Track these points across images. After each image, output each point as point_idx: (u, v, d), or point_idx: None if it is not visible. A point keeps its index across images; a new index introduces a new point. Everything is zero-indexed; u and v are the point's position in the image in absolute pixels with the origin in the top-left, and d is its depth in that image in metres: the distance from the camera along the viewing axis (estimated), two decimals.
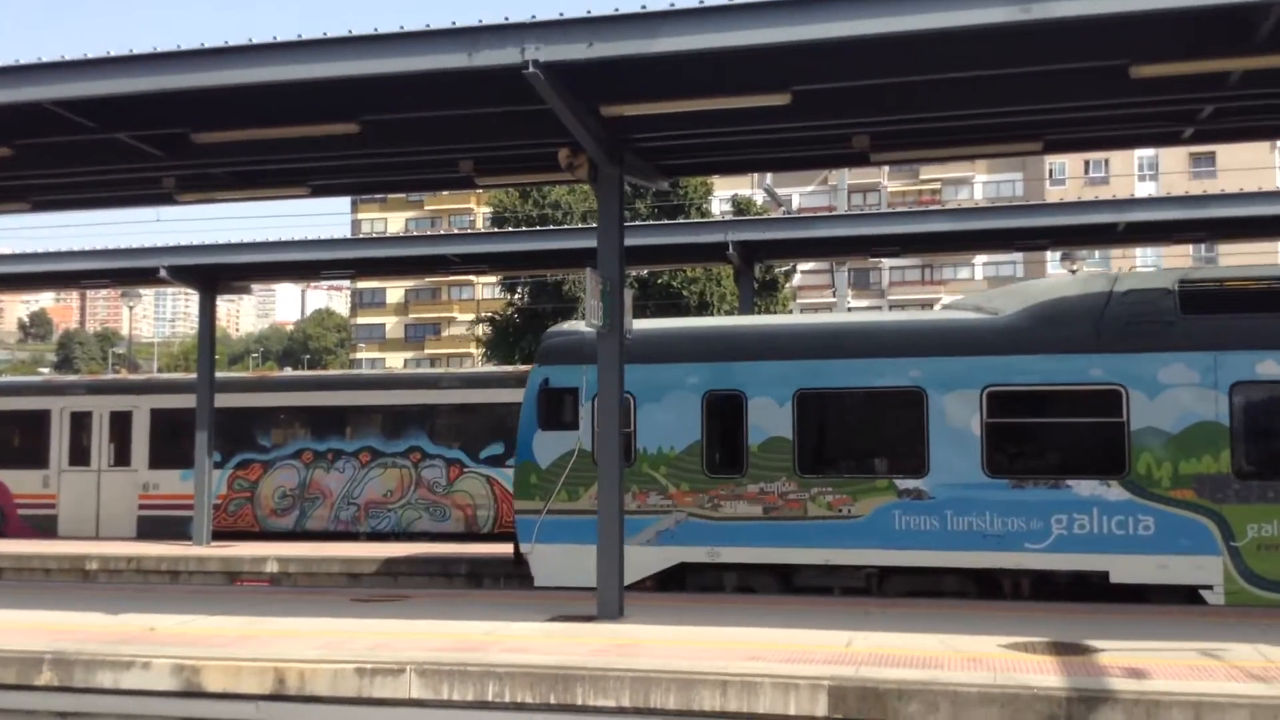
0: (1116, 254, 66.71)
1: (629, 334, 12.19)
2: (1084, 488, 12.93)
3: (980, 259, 78.50)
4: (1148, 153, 72.11)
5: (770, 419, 13.90)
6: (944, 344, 13.69)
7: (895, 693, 8.23)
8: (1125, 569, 12.76)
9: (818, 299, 74.98)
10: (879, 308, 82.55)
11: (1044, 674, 8.50)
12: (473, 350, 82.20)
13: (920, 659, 9.09)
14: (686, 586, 14.13)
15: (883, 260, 71.03)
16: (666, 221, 28.71)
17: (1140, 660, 8.95)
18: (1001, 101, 11.46)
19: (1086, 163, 74.94)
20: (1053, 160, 75.71)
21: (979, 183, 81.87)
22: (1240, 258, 64.37)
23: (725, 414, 14.09)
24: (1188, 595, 12.66)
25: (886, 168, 79.93)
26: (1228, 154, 67.71)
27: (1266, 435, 12.68)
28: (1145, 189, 69.81)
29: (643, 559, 13.96)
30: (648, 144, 12.65)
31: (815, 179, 77.64)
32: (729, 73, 10.68)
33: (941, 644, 9.78)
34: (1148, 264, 68.04)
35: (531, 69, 9.91)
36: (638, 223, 25.70)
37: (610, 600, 11.51)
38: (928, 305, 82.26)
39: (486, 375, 24.01)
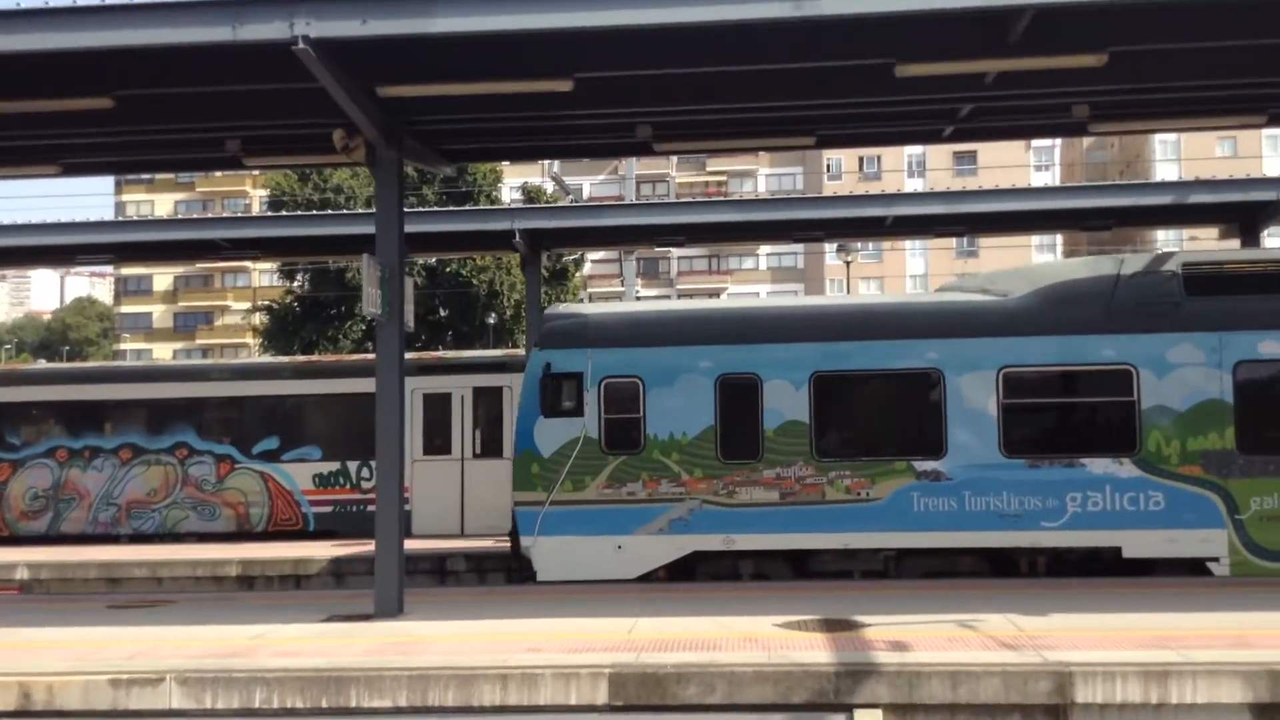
0: (885, 246, 70.14)
1: (409, 326, 11.87)
2: (1097, 466, 13.11)
3: (764, 249, 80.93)
4: (916, 150, 76.11)
5: (786, 402, 13.59)
6: (961, 326, 13.68)
7: (674, 676, 8.32)
8: (1137, 544, 13.01)
9: (608, 288, 75.63)
10: (668, 296, 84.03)
11: (815, 651, 8.78)
12: (249, 341, 78.81)
13: (700, 642, 9.23)
14: (697, 576, 13.71)
15: (671, 250, 72.34)
16: (452, 208, 28.25)
17: (904, 634, 9.36)
18: (777, 96, 11.75)
19: (861, 159, 78.39)
20: (830, 156, 78.82)
21: (763, 176, 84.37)
22: (998, 250, 68.79)
23: (740, 398, 13.69)
24: (1192, 568, 13.04)
25: (674, 159, 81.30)
26: (988, 153, 72.19)
27: (1268, 412, 13.08)
28: (914, 185, 73.61)
29: (654, 549, 13.58)
30: (429, 127, 12.35)
31: (605, 168, 78.31)
32: (511, 57, 10.52)
33: (720, 626, 9.97)
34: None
35: (301, 45, 9.48)
36: (422, 209, 25.20)
37: (388, 598, 11.20)
38: (714, 294, 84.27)
39: (260, 366, 23.02)
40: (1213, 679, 8.05)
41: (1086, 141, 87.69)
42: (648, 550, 13.53)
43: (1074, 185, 23.81)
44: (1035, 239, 74.11)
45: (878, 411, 14.14)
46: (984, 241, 69.98)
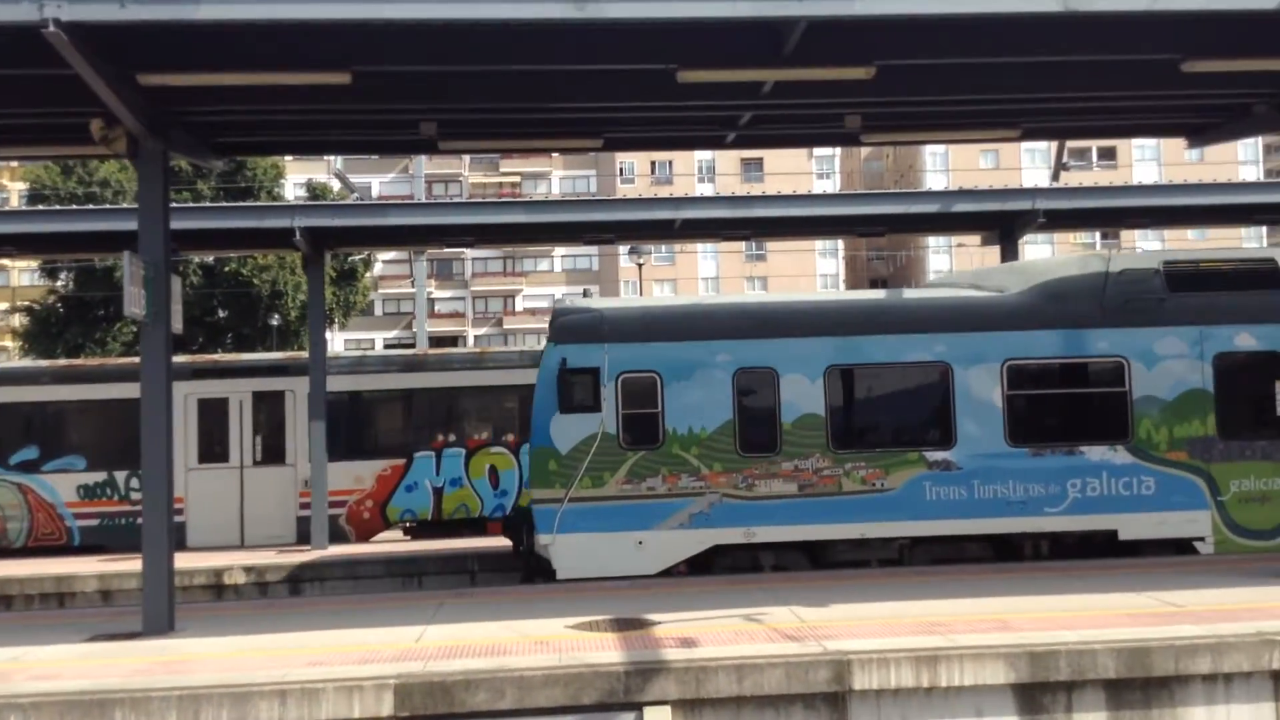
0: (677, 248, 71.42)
1: (177, 328, 11.23)
2: (1094, 453, 13.72)
3: (559, 251, 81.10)
4: (706, 155, 77.82)
5: (802, 395, 13.71)
6: (966, 320, 14.01)
7: (462, 684, 8.17)
8: (1131, 527, 13.68)
9: (399, 289, 74.11)
10: (462, 298, 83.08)
11: (605, 651, 8.80)
12: (8, 344, 73.21)
13: (490, 647, 9.10)
14: (715, 569, 13.63)
15: (465, 251, 71.49)
16: (227, 204, 27.00)
17: (693, 630, 9.51)
18: (564, 97, 11.73)
19: (653, 163, 79.61)
20: (623, 159, 79.71)
21: (557, 178, 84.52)
22: (784, 255, 71.17)
23: (757, 391, 13.78)
24: (1177, 548, 13.71)
25: (467, 160, 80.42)
26: (774, 160, 74.58)
27: (1244, 400, 13.83)
28: (704, 189, 75.32)
29: (676, 543, 13.54)
30: (200, 119, 11.75)
31: (395, 166, 76.69)
32: (286, 47, 10.09)
33: (512, 630, 9.87)
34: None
35: (53, 28, 8.81)
36: (193, 204, 23.97)
37: (157, 614, 10.58)
38: (509, 297, 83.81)
39: (17, 371, 21.42)
40: (978, 662, 8.50)
41: (864, 151, 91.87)
42: (669, 545, 13.55)
43: (851, 193, 24.86)
44: (819, 244, 77.16)
45: (890, 404, 14.26)
46: (771, 246, 72.21)
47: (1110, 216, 20.90)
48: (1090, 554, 13.72)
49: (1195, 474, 13.82)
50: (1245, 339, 13.99)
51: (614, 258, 71.34)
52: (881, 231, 21.18)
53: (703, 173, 79.11)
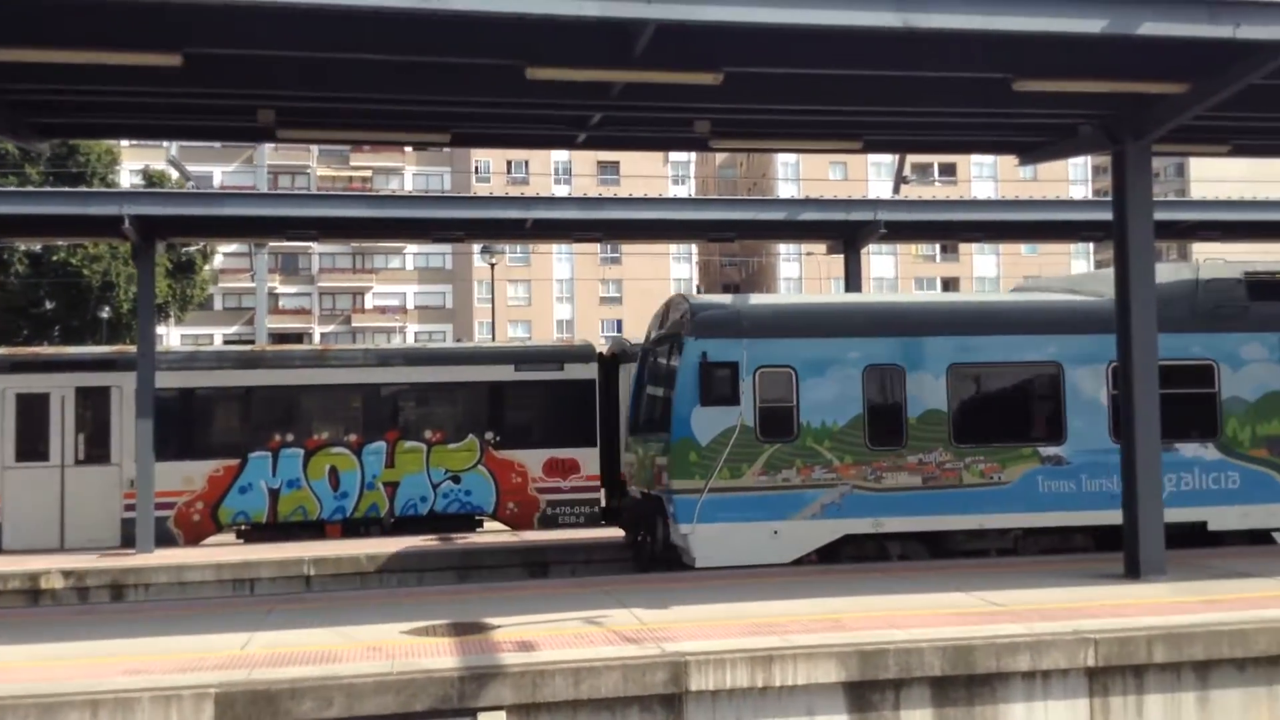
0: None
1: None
2: (1188, 449, 14.60)
3: (412, 249, 79.80)
4: (563, 156, 77.80)
5: (927, 392, 14.29)
6: (1074, 323, 14.81)
7: (288, 692, 7.87)
8: (1219, 518, 14.66)
9: (242, 284, 71.69)
10: (308, 294, 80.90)
11: (440, 656, 8.61)
12: None
13: (320, 654, 8.80)
14: (841, 558, 13.95)
15: (312, 246, 69.64)
16: (50, 189, 25.62)
17: (532, 634, 9.39)
18: (410, 89, 11.49)
19: (509, 162, 79.11)
20: (479, 157, 78.98)
21: (409, 173, 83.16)
22: (640, 257, 71.56)
23: (885, 387, 14.31)
24: (1252, 537, 14.79)
25: (315, 151, 78.40)
26: (630, 164, 75.00)
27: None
28: (560, 190, 75.20)
29: (809, 533, 13.93)
30: (18, 97, 11.10)
31: (240, 156, 74.17)
32: (114, 24, 9.60)
33: (344, 636, 9.58)
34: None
35: None
36: (14, 188, 22.66)
37: None
38: (359, 294, 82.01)
39: None
40: (811, 661, 8.63)
41: (719, 158, 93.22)
42: (803, 535, 13.92)
43: (702, 198, 25.18)
44: (673, 248, 77.88)
45: (1006, 401, 14.77)
46: (625, 248, 72.59)
47: (947, 229, 21.71)
48: (1182, 544, 14.02)
49: (1274, 470, 14.95)
50: None
51: (468, 256, 70.60)
52: (732, 237, 21.47)
53: (559, 173, 79.01)
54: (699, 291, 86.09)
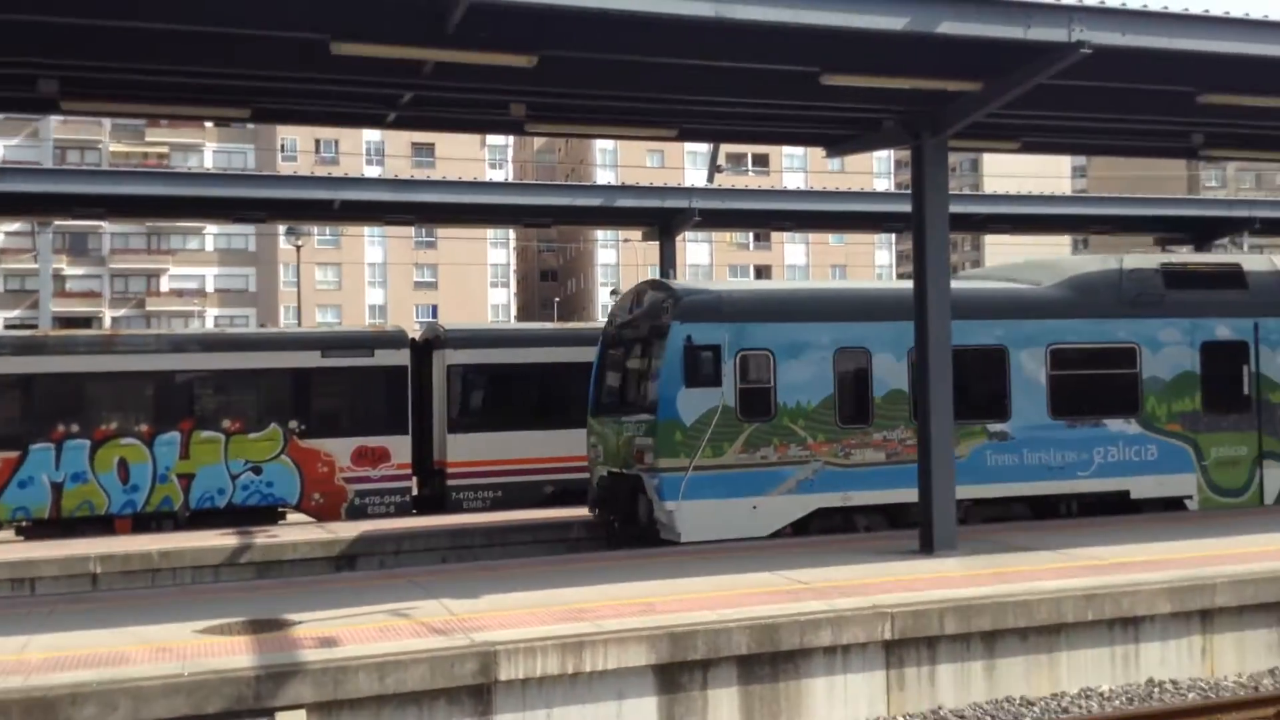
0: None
1: None
2: (1114, 425, 15.99)
3: (212, 229, 76.37)
4: (374, 136, 75.89)
5: (890, 373, 15.16)
6: (1018, 309, 15.96)
7: (68, 698, 7.38)
8: (1140, 488, 16.12)
9: (25, 265, 67.10)
10: (98, 276, 76.50)
11: (236, 655, 8.24)
12: None
13: (106, 656, 8.29)
14: (811, 531, 14.68)
15: (102, 225, 65.75)
16: None
17: (335, 629, 9.09)
18: (209, 61, 10.92)
19: (318, 141, 76.64)
20: (286, 135, 76.20)
21: (210, 150, 79.54)
22: (456, 242, 70.56)
23: (852, 369, 15.11)
24: (1165, 505, 16.17)
25: (108, 124, 74.06)
26: (446, 146, 73.80)
27: (1221, 381, 16.55)
28: (372, 171, 73.36)
29: (785, 508, 14.65)
30: None
31: (24, 130, 69.34)
32: None
33: (132, 637, 9.05)
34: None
35: None
36: None
37: None
38: (154, 276, 78.05)
39: None
40: (622, 645, 8.66)
41: (537, 143, 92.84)
42: (779, 509, 14.63)
43: (518, 182, 24.98)
44: (490, 233, 77.08)
45: (960, 381, 14.85)
46: (442, 233, 71.41)
47: (760, 218, 22.21)
48: (1105, 512, 15.82)
49: (1185, 442, 16.44)
50: (1223, 330, 16.77)
51: (273, 238, 68.09)
52: (549, 222, 21.42)
53: (371, 154, 77.07)
54: (515, 276, 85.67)
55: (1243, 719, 8.86)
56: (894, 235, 65.03)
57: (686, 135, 14.89)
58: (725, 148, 22.41)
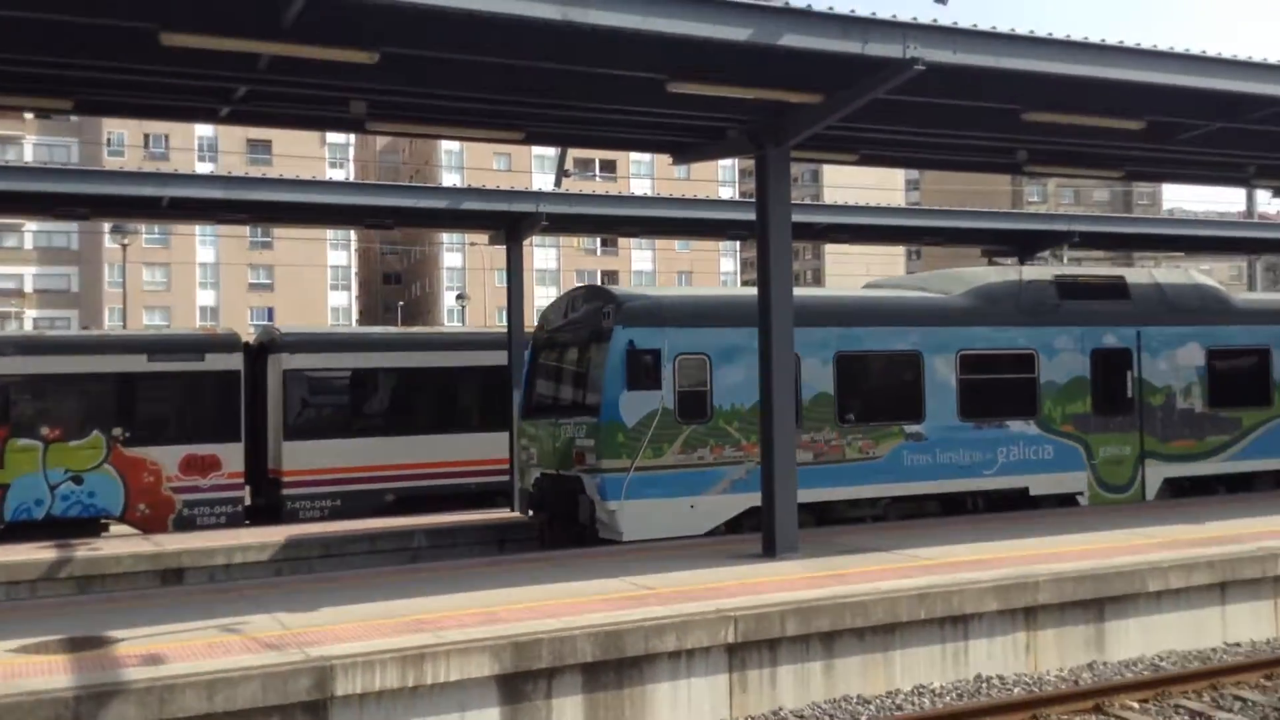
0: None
1: None
2: (1015, 426, 17.07)
3: (31, 227, 72.35)
4: (207, 131, 73.17)
5: (817, 377, 15.82)
6: (931, 316, 16.84)
7: None
8: (1038, 485, 17.26)
9: None
10: None
11: (54, 675, 7.76)
12: None
13: None
14: (743, 528, 15.10)
15: None
16: None
17: (161, 645, 8.67)
18: (26, 49, 10.31)
19: (147, 136, 73.42)
20: (113, 127, 72.80)
21: (30, 143, 75.31)
22: (294, 242, 68.60)
23: None
24: (1060, 500, 17.35)
25: None
26: (283, 143, 71.64)
27: (1109, 385, 17.83)
28: (205, 167, 70.63)
29: (721, 507, 15.15)
30: None
31: None
32: None
33: None
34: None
35: None
36: None
37: None
38: None
39: None
40: (464, 656, 8.49)
41: (381, 143, 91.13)
42: (715, 508, 15.12)
43: (360, 182, 24.37)
44: (330, 233, 75.23)
45: (880, 385, 16.49)
46: (279, 233, 69.37)
47: (607, 223, 22.20)
48: (1009, 508, 16.97)
49: (1077, 442, 17.65)
50: (1110, 338, 18.04)
51: (97, 236, 64.88)
52: (391, 224, 20.93)
53: (204, 150, 74.23)
54: (357, 279, 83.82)
55: (1064, 712, 9.28)
56: (739, 243, 66.26)
57: (534, 138, 14.80)
58: (573, 152, 22.28)
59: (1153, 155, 16.43)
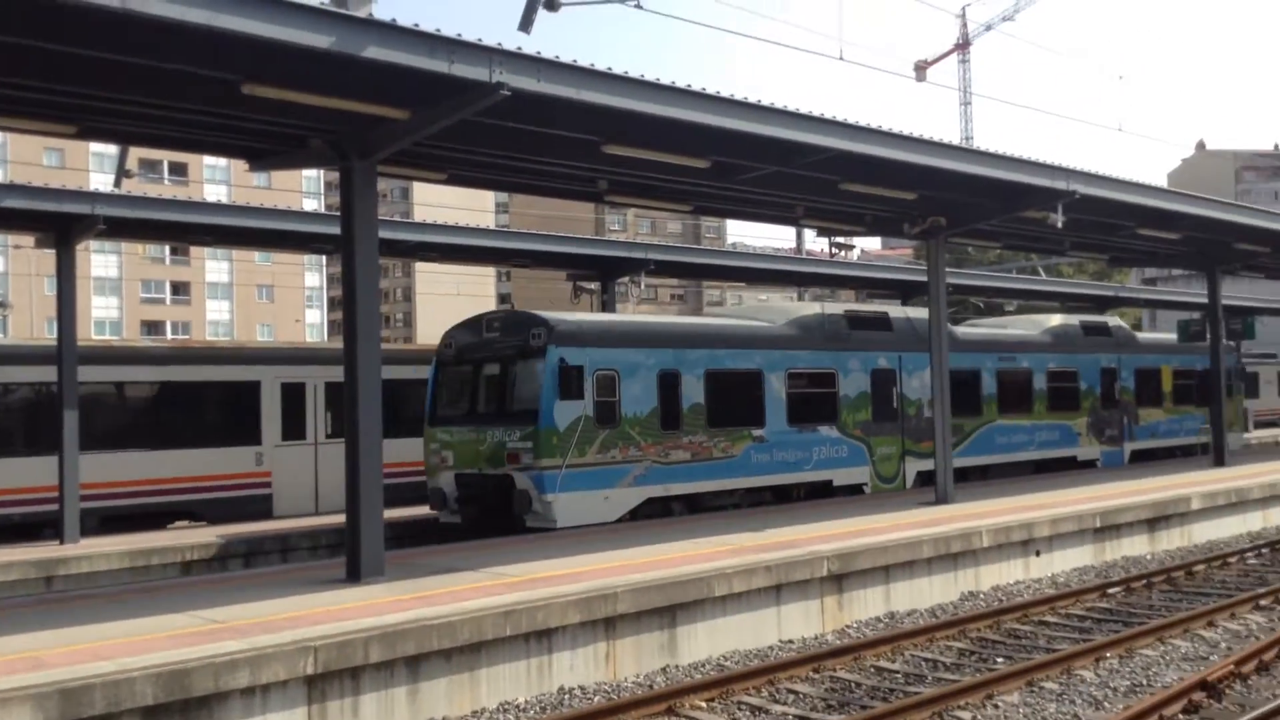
0: None
1: None
2: (823, 430, 21.10)
3: None
4: None
5: (693, 390, 18.97)
6: (768, 341, 20.68)
7: None
8: (839, 478, 21.41)
9: None
10: None
11: None
12: None
13: None
14: (638, 515, 18.12)
15: None
16: None
17: None
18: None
19: None
20: None
21: None
22: None
23: (670, 386, 18.72)
24: (852, 490, 21.70)
25: None
26: None
27: (882, 397, 22.49)
28: None
29: (627, 498, 18.08)
30: None
31: None
32: None
33: None
34: None
35: None
36: None
37: None
38: None
39: None
40: (4, 708, 7.52)
41: None
42: (622, 499, 17.96)
43: None
44: None
45: (735, 397, 19.91)
46: None
47: (176, 230, 20.64)
48: (817, 497, 20.89)
49: (862, 443, 21.96)
50: (883, 361, 22.62)
51: None
52: None
53: None
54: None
55: (640, 716, 9.70)
56: (325, 257, 64.31)
57: (89, 134, 13.48)
58: (138, 152, 20.46)
59: (718, 192, 17.77)
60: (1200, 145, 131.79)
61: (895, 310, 24.53)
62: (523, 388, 17.86)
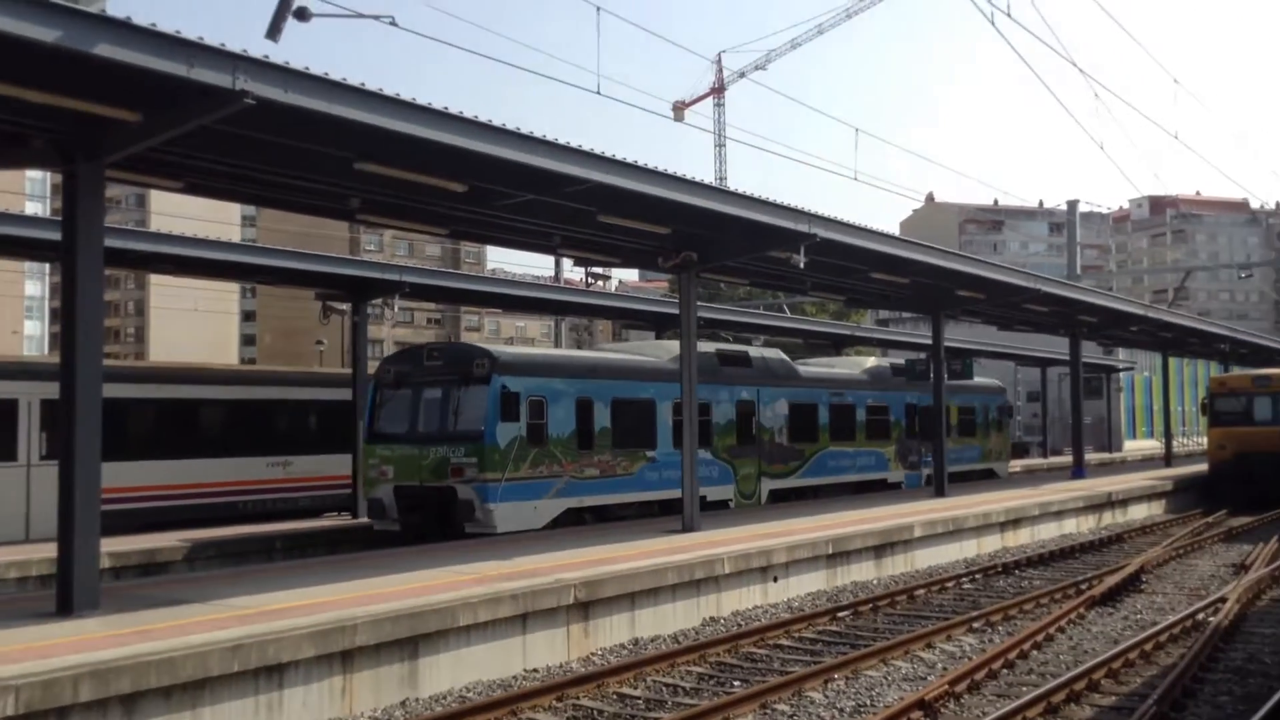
0: None
1: None
2: (702, 453, 22.39)
3: None
4: None
5: (602, 415, 22.22)
6: (658, 375, 23.78)
7: None
8: (711, 494, 24.16)
9: None
10: None
11: None
12: None
13: None
14: (560, 523, 20.88)
15: None
16: None
17: None
18: None
19: None
20: None
21: None
22: None
23: (585, 412, 21.85)
24: (719, 505, 24.61)
25: None
26: None
27: (744, 424, 25.86)
28: None
29: (552, 508, 20.84)
30: None
31: None
32: None
33: None
34: None
35: None
36: None
37: None
38: None
39: None
40: None
41: None
42: (549, 509, 20.74)
43: None
44: None
45: (634, 421, 22.75)
46: None
47: None
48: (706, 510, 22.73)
49: (728, 464, 25.29)
50: (745, 393, 26.03)
51: None
52: None
53: None
54: None
55: None
56: (48, 265, 59.76)
57: None
58: None
59: (476, 217, 17.61)
60: (930, 197, 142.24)
61: (754, 350, 28.34)
62: (467, 410, 20.18)
